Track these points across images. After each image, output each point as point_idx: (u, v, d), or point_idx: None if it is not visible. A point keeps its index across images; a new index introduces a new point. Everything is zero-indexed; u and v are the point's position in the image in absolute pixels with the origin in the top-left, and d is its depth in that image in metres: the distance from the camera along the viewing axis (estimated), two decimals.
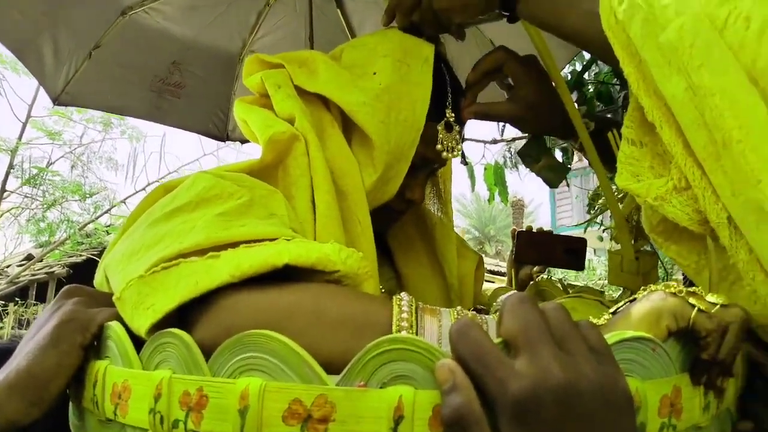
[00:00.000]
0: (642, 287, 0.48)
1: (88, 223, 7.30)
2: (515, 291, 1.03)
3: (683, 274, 0.76)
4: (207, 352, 0.42)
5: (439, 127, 0.75)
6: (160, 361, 0.45)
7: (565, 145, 1.95)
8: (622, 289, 0.88)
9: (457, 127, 0.77)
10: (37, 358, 0.49)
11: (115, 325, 0.50)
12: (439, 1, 0.74)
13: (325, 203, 0.65)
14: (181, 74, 1.77)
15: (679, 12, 0.44)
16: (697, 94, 0.43)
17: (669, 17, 0.45)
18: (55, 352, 0.49)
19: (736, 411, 0.54)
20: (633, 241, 0.84)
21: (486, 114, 0.81)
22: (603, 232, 2.10)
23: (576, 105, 0.82)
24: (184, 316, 0.48)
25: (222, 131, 2.03)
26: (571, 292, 1.03)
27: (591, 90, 1.99)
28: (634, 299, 0.47)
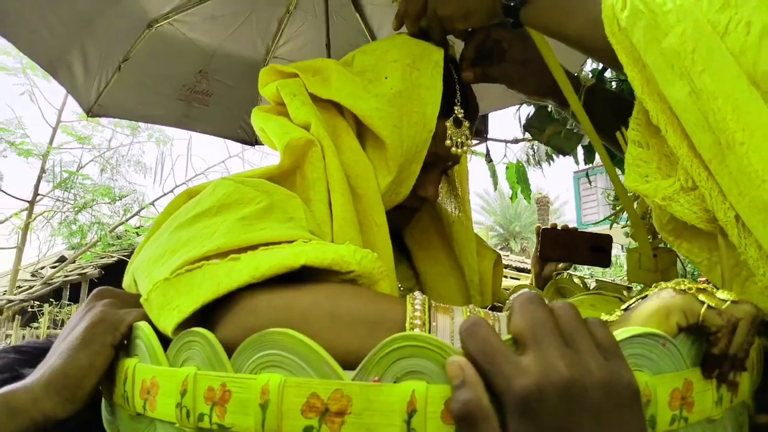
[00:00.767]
0: (654, 284, 0.49)
1: (119, 225, 7.46)
2: (527, 289, 1.03)
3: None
4: (229, 350, 0.44)
5: (448, 124, 0.76)
6: (185, 359, 0.47)
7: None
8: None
9: (466, 123, 0.78)
10: (71, 358, 0.51)
11: (143, 325, 0.52)
12: (443, 9, 0.75)
13: (341, 206, 0.66)
14: (209, 82, 1.81)
15: (680, 18, 0.45)
16: (700, 97, 0.44)
17: (671, 23, 0.46)
18: (87, 352, 0.52)
19: (753, 404, 0.54)
20: (651, 239, 0.84)
21: (484, 76, 0.83)
22: (629, 228, 2.08)
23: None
24: (207, 315, 0.50)
25: (251, 136, 2.06)
26: (591, 289, 1.03)
27: (614, 87, 1.97)
28: (646, 296, 0.48)
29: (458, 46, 0.85)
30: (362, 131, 0.74)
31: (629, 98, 0.67)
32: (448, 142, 0.76)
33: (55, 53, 1.53)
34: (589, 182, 3.10)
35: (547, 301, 0.40)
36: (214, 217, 0.57)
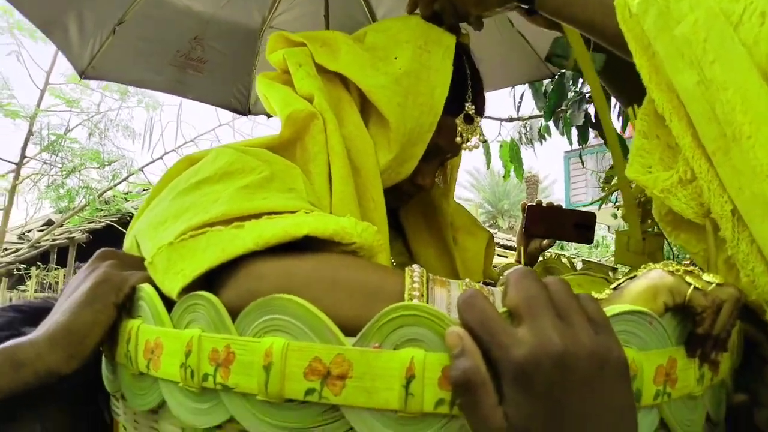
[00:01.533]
0: (643, 266, 0.50)
1: (107, 190, 7.38)
2: (521, 266, 1.05)
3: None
4: (233, 314, 0.45)
5: (458, 120, 0.76)
6: (189, 321, 0.48)
7: None
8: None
9: (478, 119, 0.78)
10: (75, 314, 0.52)
11: (147, 287, 0.53)
12: None
13: (340, 179, 0.67)
14: (203, 49, 1.78)
15: (693, 6, 0.45)
16: (709, 88, 0.44)
17: (683, 11, 0.45)
18: (91, 310, 0.52)
19: (731, 384, 0.56)
20: (641, 222, 0.86)
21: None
22: (617, 209, 2.11)
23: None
24: (211, 280, 0.51)
25: (244, 105, 2.04)
26: (578, 269, 1.05)
27: None
28: (635, 276, 0.50)
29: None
30: (366, 107, 0.75)
31: None
32: (458, 139, 0.76)
33: (52, 14, 1.50)
34: (582, 163, 3.10)
35: None
36: (216, 185, 0.58)
